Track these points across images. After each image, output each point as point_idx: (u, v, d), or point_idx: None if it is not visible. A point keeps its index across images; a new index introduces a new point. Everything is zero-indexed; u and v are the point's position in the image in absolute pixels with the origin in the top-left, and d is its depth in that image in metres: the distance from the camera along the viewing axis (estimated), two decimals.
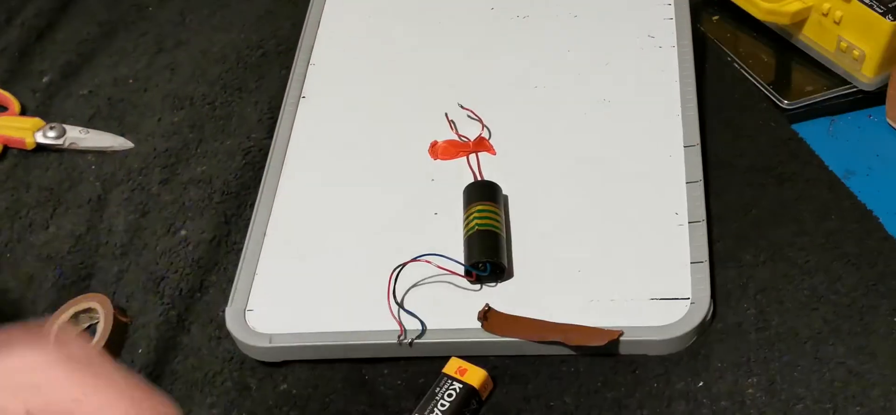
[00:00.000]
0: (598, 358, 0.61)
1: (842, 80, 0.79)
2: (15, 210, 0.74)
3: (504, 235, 0.65)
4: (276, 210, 0.70)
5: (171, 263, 0.69)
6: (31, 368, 0.43)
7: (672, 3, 0.80)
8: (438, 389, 0.59)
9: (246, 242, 0.68)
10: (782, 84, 0.80)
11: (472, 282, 0.64)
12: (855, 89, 0.78)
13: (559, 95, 0.76)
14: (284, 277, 0.67)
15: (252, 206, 0.71)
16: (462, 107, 0.75)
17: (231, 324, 0.64)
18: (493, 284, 0.64)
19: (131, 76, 0.84)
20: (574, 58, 0.78)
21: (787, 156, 0.72)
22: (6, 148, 0.79)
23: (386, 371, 0.62)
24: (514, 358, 0.62)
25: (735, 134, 0.74)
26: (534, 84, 0.77)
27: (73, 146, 0.78)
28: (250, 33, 0.87)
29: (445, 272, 0.64)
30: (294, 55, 0.81)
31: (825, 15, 0.78)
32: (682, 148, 0.70)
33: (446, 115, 0.74)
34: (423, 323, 0.62)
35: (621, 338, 0.60)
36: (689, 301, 0.62)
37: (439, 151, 0.73)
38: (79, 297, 0.66)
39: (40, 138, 0.78)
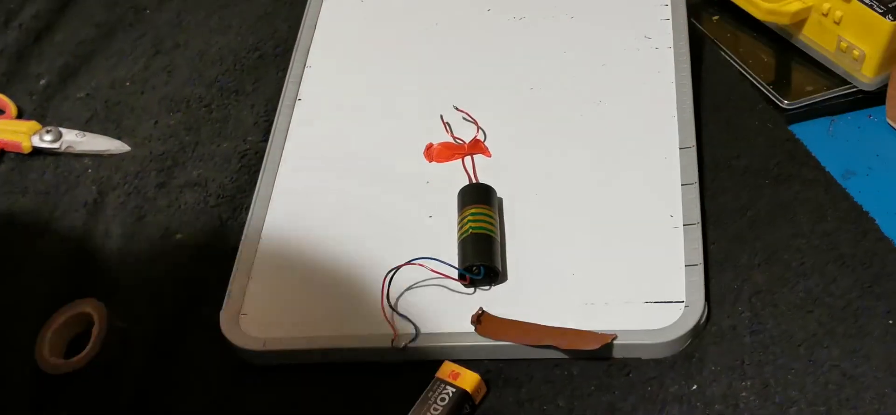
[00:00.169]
0: (591, 361, 0.61)
1: (842, 80, 0.78)
2: (11, 214, 0.74)
3: (498, 238, 0.65)
4: (271, 214, 0.70)
5: (167, 267, 0.69)
6: None
7: (669, 3, 0.80)
8: (431, 393, 0.59)
9: (240, 245, 0.68)
10: (782, 84, 0.79)
11: (465, 285, 0.64)
12: (855, 89, 0.78)
13: (555, 97, 0.75)
14: (279, 280, 0.66)
15: (247, 209, 0.71)
16: (457, 109, 0.75)
17: (225, 328, 0.64)
18: (487, 287, 0.64)
19: (128, 78, 0.85)
20: (570, 59, 0.78)
21: (784, 157, 0.72)
22: (3, 152, 0.79)
23: (380, 375, 0.62)
24: (507, 362, 0.62)
25: (732, 135, 0.74)
26: (530, 86, 0.76)
27: (70, 150, 0.78)
28: (247, 35, 0.87)
29: (439, 276, 0.64)
30: (291, 57, 0.81)
31: (825, 15, 0.77)
32: (678, 150, 0.70)
33: (441, 117, 0.74)
34: (416, 327, 0.62)
35: (615, 342, 0.60)
36: (683, 305, 0.62)
37: (434, 153, 0.72)
38: (73, 302, 0.66)
39: (37, 142, 0.78)
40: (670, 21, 0.78)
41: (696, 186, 0.68)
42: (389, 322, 0.62)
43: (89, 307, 0.65)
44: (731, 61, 0.81)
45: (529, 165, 0.71)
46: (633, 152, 0.71)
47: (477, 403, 0.60)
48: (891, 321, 0.61)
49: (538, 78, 0.77)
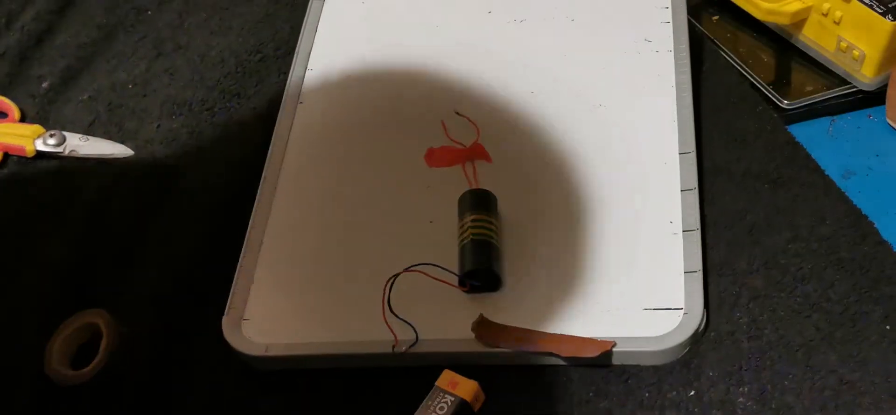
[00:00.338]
0: (590, 368, 0.61)
1: (842, 80, 0.79)
2: (15, 219, 0.75)
3: (498, 245, 0.65)
4: (273, 218, 0.71)
5: (169, 272, 0.70)
6: None
7: (669, 7, 0.79)
8: (431, 402, 0.59)
9: (242, 250, 0.69)
10: (782, 84, 0.79)
11: (466, 292, 0.64)
12: (855, 89, 0.78)
13: (556, 101, 0.75)
14: (280, 286, 0.67)
15: (249, 213, 0.71)
16: (458, 114, 0.75)
17: (227, 333, 0.64)
18: (487, 294, 0.64)
19: (130, 81, 0.85)
20: (571, 62, 0.78)
21: (783, 160, 0.72)
22: (6, 155, 0.79)
23: (380, 383, 0.62)
24: (506, 368, 0.62)
25: (732, 138, 0.74)
26: (530, 89, 0.76)
27: (73, 154, 0.78)
28: (249, 37, 0.87)
29: (440, 282, 0.64)
30: (292, 60, 0.81)
31: (825, 15, 0.78)
32: (678, 155, 0.70)
33: (443, 122, 0.74)
34: (417, 333, 0.62)
35: (614, 349, 0.60)
36: (682, 311, 0.62)
37: (435, 158, 0.73)
38: (80, 313, 0.66)
39: (40, 146, 0.79)
40: (671, 24, 0.78)
41: (696, 191, 0.68)
42: (390, 328, 0.62)
43: (97, 318, 0.66)
44: (731, 62, 0.81)
45: (529, 170, 0.71)
46: (633, 157, 0.71)
47: (476, 411, 0.60)
48: (888, 326, 0.61)
49: (539, 82, 0.77)
